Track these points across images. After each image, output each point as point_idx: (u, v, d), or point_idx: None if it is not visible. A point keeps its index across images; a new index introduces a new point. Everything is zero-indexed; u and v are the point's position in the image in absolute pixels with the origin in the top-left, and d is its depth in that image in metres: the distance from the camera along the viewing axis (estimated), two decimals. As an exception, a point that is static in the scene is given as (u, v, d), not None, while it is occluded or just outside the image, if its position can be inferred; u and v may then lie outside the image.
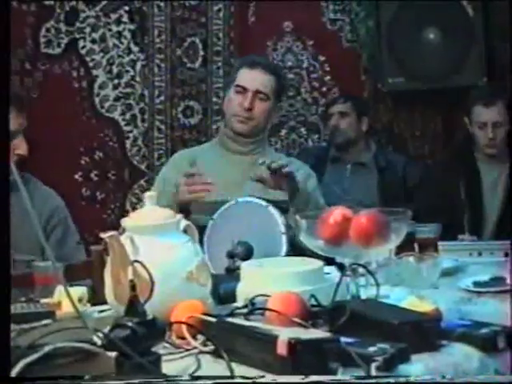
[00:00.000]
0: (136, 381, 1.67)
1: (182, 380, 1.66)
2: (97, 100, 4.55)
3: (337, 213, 2.16)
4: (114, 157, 4.60)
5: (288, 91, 4.59)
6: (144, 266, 1.88)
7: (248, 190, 3.01)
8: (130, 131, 4.63)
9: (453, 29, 4.58)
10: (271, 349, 1.73)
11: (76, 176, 4.43)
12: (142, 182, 4.66)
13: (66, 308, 2.13)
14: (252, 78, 3.47)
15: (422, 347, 1.80)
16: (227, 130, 3.49)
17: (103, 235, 2.16)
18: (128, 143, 4.63)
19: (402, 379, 1.65)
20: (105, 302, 2.16)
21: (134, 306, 1.77)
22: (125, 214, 4.41)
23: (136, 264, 1.89)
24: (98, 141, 4.57)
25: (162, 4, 4.68)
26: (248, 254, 2.39)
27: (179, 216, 2.21)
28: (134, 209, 4.52)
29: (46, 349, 1.78)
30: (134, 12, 4.63)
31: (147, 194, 2.24)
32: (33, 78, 4.46)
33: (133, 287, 1.77)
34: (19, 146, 2.85)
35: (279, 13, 4.83)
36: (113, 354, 1.78)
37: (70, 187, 4.25)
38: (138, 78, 4.67)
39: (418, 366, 1.74)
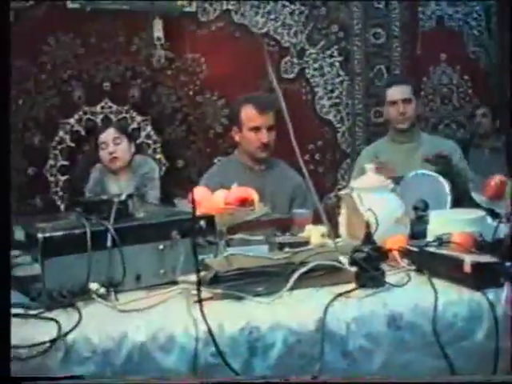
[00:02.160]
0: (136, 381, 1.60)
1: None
2: (317, 107, 4.59)
3: (496, 178, 2.20)
4: (329, 144, 4.65)
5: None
6: (373, 213, 1.93)
7: (416, 167, 2.98)
8: (340, 127, 4.67)
9: None
10: (459, 268, 1.75)
11: (306, 157, 4.44)
12: (347, 160, 4.69)
13: (314, 240, 2.18)
14: (398, 92, 3.71)
15: None
16: (393, 130, 3.76)
17: (340, 193, 2.23)
18: (339, 135, 4.67)
19: (402, 379, 1.60)
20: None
21: (367, 238, 1.82)
22: (336, 181, 4.48)
23: (367, 211, 1.95)
24: (318, 134, 4.62)
25: (359, 43, 4.69)
26: (426, 207, 2.39)
27: (388, 181, 2.24)
28: (342, 178, 4.58)
29: (311, 265, 1.85)
30: (341, 49, 4.65)
31: (368, 166, 2.27)
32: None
33: (367, 225, 1.82)
34: None
35: (437, 46, 4.81)
36: (353, 269, 1.83)
37: (307, 166, 4.29)
38: (344, 92, 4.69)
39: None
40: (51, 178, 4.20)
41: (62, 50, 4.20)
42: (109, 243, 1.81)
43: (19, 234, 1.93)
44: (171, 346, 1.58)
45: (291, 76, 4.57)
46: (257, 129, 3.24)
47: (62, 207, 4.20)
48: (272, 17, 4.49)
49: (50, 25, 4.15)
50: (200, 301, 1.61)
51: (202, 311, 1.61)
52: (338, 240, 2.18)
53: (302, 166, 1.95)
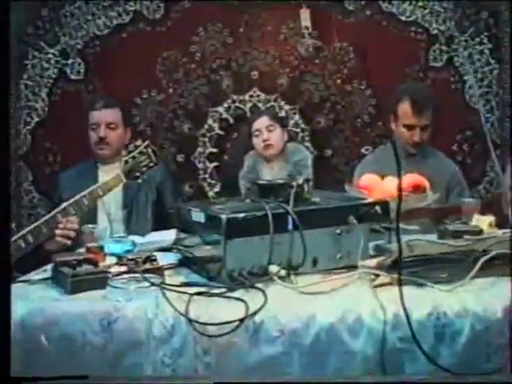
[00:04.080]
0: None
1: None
2: (467, 97, 4.47)
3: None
4: (478, 134, 4.51)
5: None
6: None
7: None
8: (490, 117, 4.52)
9: None
10: None
11: (454, 147, 4.33)
12: (497, 151, 4.53)
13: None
14: None
15: None
16: None
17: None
18: (488, 125, 4.53)
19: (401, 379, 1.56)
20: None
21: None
22: (485, 173, 4.34)
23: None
24: (467, 124, 4.49)
25: (508, 30, 4.52)
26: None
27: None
28: (491, 169, 4.44)
29: (493, 253, 1.80)
30: (491, 36, 4.50)
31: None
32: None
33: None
34: None
35: None
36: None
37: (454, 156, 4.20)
38: (494, 81, 4.54)
39: None
40: (200, 165, 4.30)
41: (210, 40, 4.28)
42: (290, 226, 1.84)
43: (198, 216, 1.98)
44: (359, 329, 1.59)
45: (439, 64, 4.46)
46: (410, 127, 3.26)
47: (211, 194, 4.29)
48: (420, 4, 4.40)
49: (199, 16, 4.24)
50: (400, 284, 1.60)
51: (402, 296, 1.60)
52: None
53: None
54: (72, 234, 2.42)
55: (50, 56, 4.24)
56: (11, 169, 2.45)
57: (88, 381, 1.47)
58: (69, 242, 2.43)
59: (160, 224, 3.18)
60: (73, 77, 4.26)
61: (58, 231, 2.41)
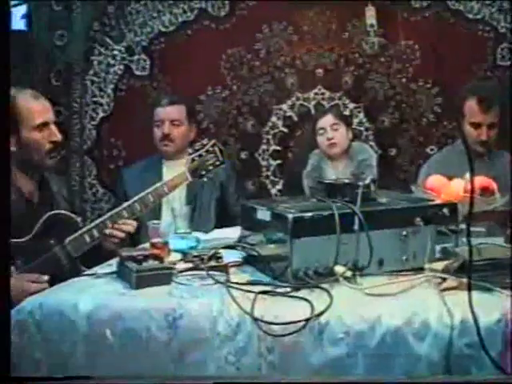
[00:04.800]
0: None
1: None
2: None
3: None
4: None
5: None
6: None
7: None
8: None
9: None
10: None
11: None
12: None
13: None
14: None
15: None
16: None
17: None
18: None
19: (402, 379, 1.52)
20: None
21: None
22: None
23: None
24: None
25: None
26: None
27: None
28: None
29: None
30: None
31: None
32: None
33: None
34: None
35: None
36: None
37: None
38: None
39: None
40: (263, 163, 4.31)
41: (275, 38, 4.28)
42: (356, 226, 1.83)
43: (263, 214, 1.98)
44: (425, 332, 1.57)
45: (507, 63, 4.36)
46: (477, 125, 3.22)
47: (273, 192, 4.29)
48: (487, 2, 4.31)
49: (263, 13, 4.25)
50: (470, 288, 1.57)
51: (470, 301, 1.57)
52: None
53: None
54: (121, 235, 2.43)
55: (116, 52, 4.30)
56: (48, 166, 2.46)
57: (89, 381, 1.46)
58: (116, 242, 2.44)
59: (223, 221, 3.21)
60: (138, 73, 4.31)
61: (107, 230, 2.43)
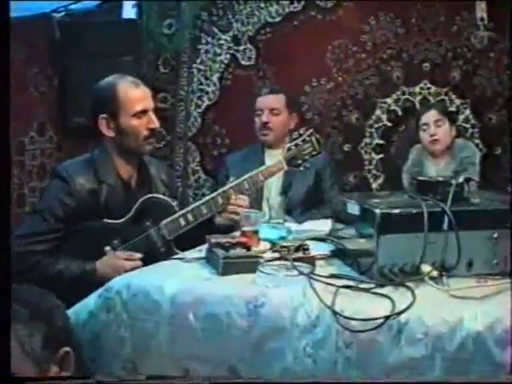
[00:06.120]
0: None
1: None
2: None
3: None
4: None
5: None
6: None
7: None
8: None
9: None
10: None
11: None
12: None
13: None
14: None
15: None
16: None
17: None
18: None
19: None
20: None
21: None
22: None
23: None
24: None
25: None
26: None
27: None
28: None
29: None
30: None
31: None
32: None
33: None
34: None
35: None
36: None
37: None
38: None
39: None
40: (366, 156, 4.26)
41: (382, 30, 4.22)
42: (445, 226, 1.78)
43: (353, 208, 1.97)
44: (508, 340, 1.52)
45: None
46: None
47: (374, 186, 4.25)
48: None
49: (370, 5, 4.19)
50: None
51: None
52: None
53: None
54: (241, 210, 2.46)
55: (223, 42, 4.36)
56: (146, 151, 2.51)
57: (90, 381, 1.44)
58: (237, 218, 2.47)
59: (316, 212, 3.20)
60: (244, 63, 4.35)
61: (229, 207, 2.48)
